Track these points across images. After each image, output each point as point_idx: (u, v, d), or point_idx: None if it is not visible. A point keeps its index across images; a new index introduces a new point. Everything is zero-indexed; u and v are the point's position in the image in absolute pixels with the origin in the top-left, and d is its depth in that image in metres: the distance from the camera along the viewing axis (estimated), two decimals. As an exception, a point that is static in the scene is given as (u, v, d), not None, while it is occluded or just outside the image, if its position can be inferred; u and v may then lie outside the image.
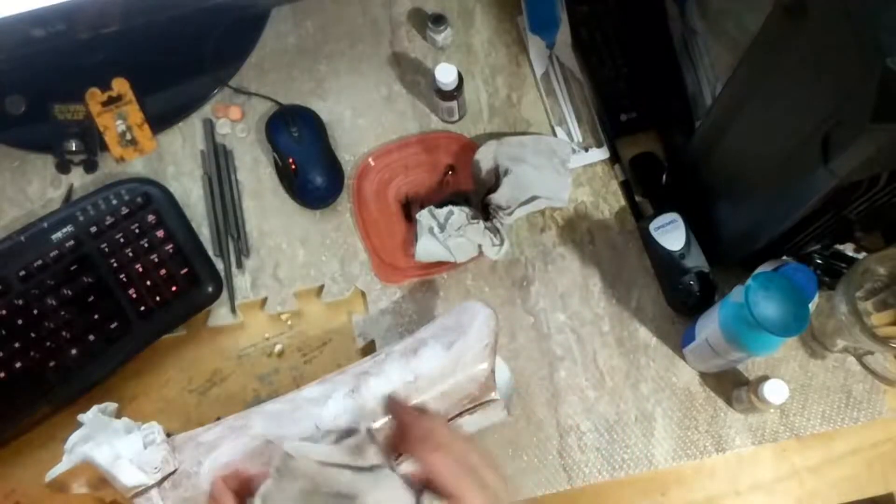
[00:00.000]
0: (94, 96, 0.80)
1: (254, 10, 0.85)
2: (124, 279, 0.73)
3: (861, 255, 0.71)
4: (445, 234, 0.73)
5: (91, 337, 0.71)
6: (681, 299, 0.73)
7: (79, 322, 0.71)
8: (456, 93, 0.76)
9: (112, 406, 0.64)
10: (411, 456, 0.53)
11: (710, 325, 0.65)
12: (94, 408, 0.62)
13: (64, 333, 0.71)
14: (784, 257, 0.70)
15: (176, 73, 0.83)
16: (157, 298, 0.73)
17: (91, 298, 0.72)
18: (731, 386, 0.72)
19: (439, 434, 0.53)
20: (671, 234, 0.73)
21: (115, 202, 0.74)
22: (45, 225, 0.73)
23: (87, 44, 0.74)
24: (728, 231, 0.71)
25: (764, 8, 0.53)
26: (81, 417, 0.62)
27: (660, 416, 0.71)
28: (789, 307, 0.59)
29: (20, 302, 0.71)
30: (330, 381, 0.62)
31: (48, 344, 0.71)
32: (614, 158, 0.79)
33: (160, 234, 0.74)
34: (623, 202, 0.78)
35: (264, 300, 0.76)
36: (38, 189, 0.80)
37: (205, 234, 0.78)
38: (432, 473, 0.50)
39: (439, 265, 0.75)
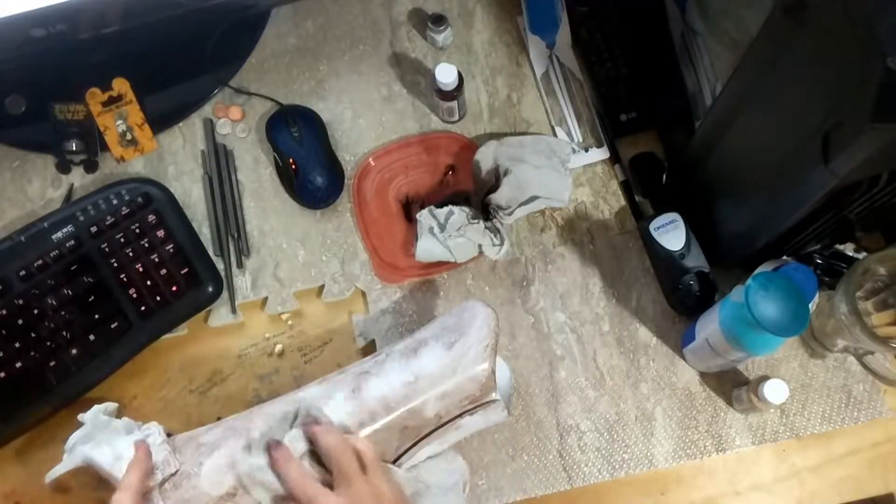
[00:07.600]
0: (95, 96, 0.80)
1: (254, 10, 0.85)
2: (124, 279, 0.73)
3: (861, 255, 0.71)
4: (445, 234, 0.73)
5: (91, 337, 0.71)
6: (681, 299, 0.73)
7: (79, 322, 0.71)
8: (456, 93, 0.76)
9: (112, 406, 0.64)
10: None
11: (710, 325, 0.65)
12: (94, 408, 0.62)
13: (64, 333, 0.71)
14: (784, 257, 0.70)
15: (176, 73, 0.83)
16: (158, 298, 0.73)
17: (91, 298, 0.72)
18: (731, 386, 0.72)
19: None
20: (671, 234, 0.73)
21: (115, 202, 0.74)
22: (46, 225, 0.73)
23: (87, 44, 0.74)
24: (728, 231, 0.71)
25: (764, 8, 0.53)
26: (81, 417, 0.62)
27: (660, 416, 0.71)
28: (789, 307, 0.58)
29: (20, 302, 0.71)
30: (330, 380, 0.62)
31: (48, 344, 0.71)
32: (614, 158, 0.79)
33: (160, 234, 0.74)
34: (623, 202, 0.78)
35: (265, 300, 0.76)
36: (39, 189, 0.80)
37: (205, 233, 0.78)
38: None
39: (439, 265, 0.75)
